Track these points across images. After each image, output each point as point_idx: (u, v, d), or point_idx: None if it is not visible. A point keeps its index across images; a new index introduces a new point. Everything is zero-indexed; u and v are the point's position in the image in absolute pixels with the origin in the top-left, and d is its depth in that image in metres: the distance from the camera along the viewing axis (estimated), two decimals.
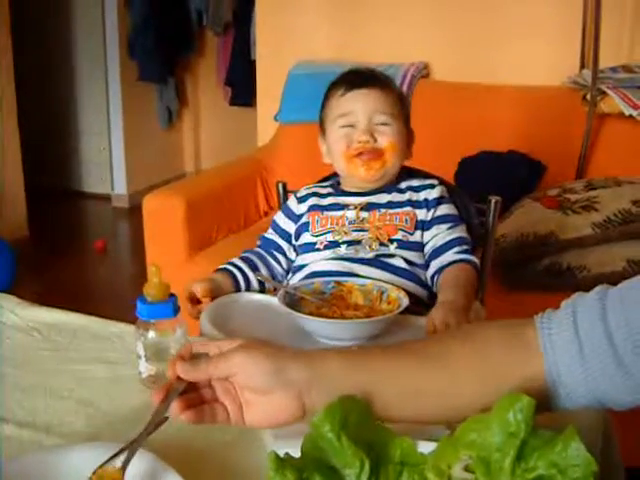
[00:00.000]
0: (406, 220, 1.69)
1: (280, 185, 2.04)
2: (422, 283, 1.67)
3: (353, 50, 3.57)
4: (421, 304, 1.62)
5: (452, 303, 1.48)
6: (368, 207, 1.71)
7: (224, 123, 6.02)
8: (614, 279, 2.49)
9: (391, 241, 1.66)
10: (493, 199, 1.88)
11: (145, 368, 1.18)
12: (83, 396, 1.16)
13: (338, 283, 1.57)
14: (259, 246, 1.79)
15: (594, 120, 3.02)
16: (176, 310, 1.18)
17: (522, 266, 2.62)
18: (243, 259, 1.74)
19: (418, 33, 3.49)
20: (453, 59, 3.44)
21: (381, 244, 1.66)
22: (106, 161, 5.61)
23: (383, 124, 1.69)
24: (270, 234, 1.79)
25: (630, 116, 2.91)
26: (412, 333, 1.47)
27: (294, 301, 1.52)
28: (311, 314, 1.45)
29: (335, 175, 1.88)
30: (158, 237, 2.92)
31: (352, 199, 1.74)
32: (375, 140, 1.68)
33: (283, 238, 1.77)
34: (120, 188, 5.61)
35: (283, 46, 3.73)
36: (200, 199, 2.96)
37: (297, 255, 1.74)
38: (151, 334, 1.18)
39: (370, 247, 1.65)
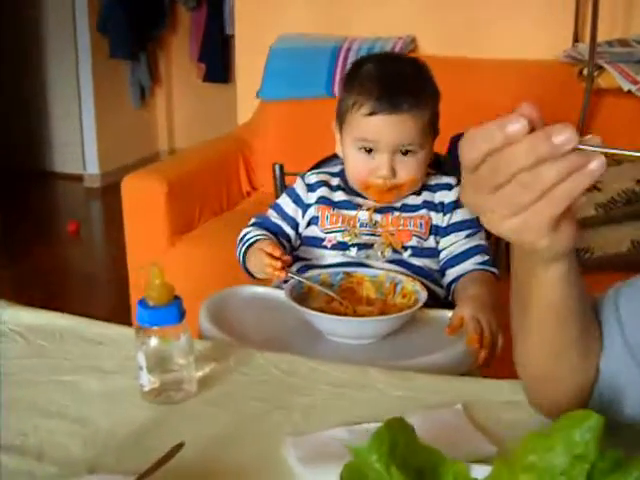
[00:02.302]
0: (420, 225, 1.57)
1: (277, 167, 1.90)
2: (438, 283, 1.56)
3: (337, 24, 3.42)
4: (435, 299, 1.50)
5: (479, 298, 1.38)
6: (381, 210, 1.58)
7: (198, 100, 5.86)
8: (618, 261, 2.40)
9: (405, 248, 1.54)
10: None
11: (147, 381, 1.04)
12: (78, 413, 1.02)
13: (347, 274, 1.45)
14: (259, 224, 1.64)
15: (590, 95, 2.91)
16: (182, 315, 1.04)
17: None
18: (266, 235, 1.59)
19: (405, 5, 3.35)
20: (441, 32, 3.30)
21: (394, 250, 1.54)
22: (77, 140, 5.42)
23: (408, 153, 1.52)
24: (275, 218, 1.64)
25: (629, 91, 2.81)
26: (433, 328, 1.36)
27: (301, 294, 1.39)
28: (321, 310, 1.33)
29: (336, 157, 1.74)
30: (138, 221, 2.77)
31: (365, 200, 1.60)
32: (395, 174, 1.52)
33: (290, 225, 1.63)
34: (92, 168, 5.43)
35: (263, 20, 3.56)
36: (181, 180, 2.81)
37: (300, 245, 1.61)
38: (153, 342, 1.04)
39: (382, 253, 1.53)
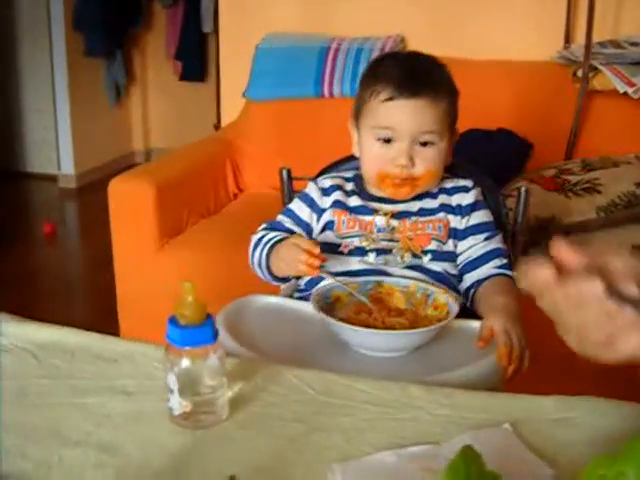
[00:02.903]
0: (439, 228, 1.52)
1: (284, 171, 1.83)
2: (456, 289, 1.51)
3: (325, 23, 3.36)
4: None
5: (507, 309, 1.33)
6: (398, 215, 1.53)
7: (174, 99, 5.76)
8: None
9: (424, 252, 1.49)
10: (523, 187, 1.71)
11: (178, 404, 0.97)
12: (104, 441, 0.94)
13: (378, 284, 1.41)
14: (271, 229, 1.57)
15: (584, 97, 2.88)
16: (216, 334, 0.97)
17: (522, 251, 2.47)
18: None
19: (394, 4, 3.29)
20: (431, 32, 3.25)
21: (414, 255, 1.48)
22: (52, 139, 5.29)
23: (427, 143, 1.47)
24: (288, 223, 1.57)
25: (624, 93, 2.77)
26: (459, 339, 1.32)
27: (328, 304, 1.34)
28: (349, 321, 1.27)
29: (349, 160, 1.68)
30: (125, 224, 2.68)
31: (381, 205, 1.55)
32: (413, 164, 1.47)
33: (305, 231, 1.56)
34: (67, 168, 5.30)
35: (247, 18, 3.49)
36: (170, 182, 2.72)
37: None
38: (185, 363, 0.97)
39: (402, 258, 1.48)
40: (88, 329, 1.24)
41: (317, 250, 1.36)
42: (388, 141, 1.47)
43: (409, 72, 1.48)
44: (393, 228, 1.51)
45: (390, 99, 1.45)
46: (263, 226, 1.58)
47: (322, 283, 1.44)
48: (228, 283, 2.30)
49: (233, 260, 2.49)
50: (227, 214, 3.03)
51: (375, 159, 1.50)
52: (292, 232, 1.55)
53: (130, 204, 2.65)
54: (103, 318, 2.87)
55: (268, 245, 1.50)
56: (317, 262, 1.35)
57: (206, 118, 4.85)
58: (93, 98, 5.41)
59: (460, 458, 0.73)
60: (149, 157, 5.83)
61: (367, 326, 1.28)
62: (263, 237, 1.53)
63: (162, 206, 2.64)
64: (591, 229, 2.43)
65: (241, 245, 2.52)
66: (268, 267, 1.50)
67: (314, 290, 1.39)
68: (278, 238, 1.50)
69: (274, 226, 1.57)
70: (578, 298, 0.74)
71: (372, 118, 1.49)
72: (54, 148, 5.31)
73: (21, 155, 5.43)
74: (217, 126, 3.82)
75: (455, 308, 1.30)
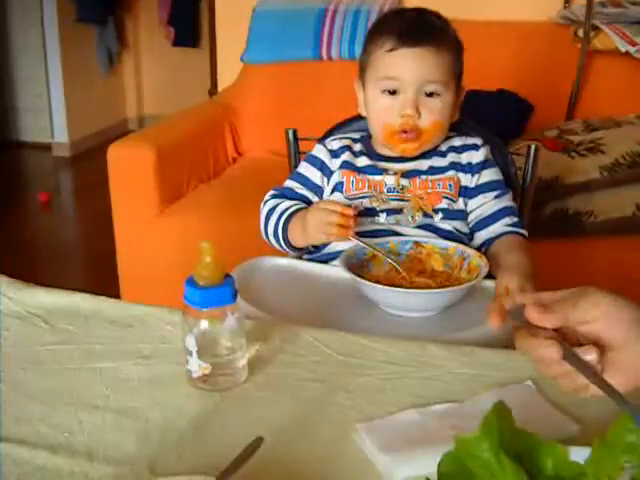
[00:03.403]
0: (450, 186, 1.50)
1: (290, 132, 1.80)
2: None
3: None
4: None
5: (521, 267, 1.32)
6: (408, 174, 1.50)
7: (167, 65, 5.72)
8: (623, 225, 2.34)
9: (435, 211, 1.47)
10: (532, 145, 1.69)
11: (197, 366, 0.95)
12: (123, 405, 0.93)
13: (417, 244, 1.39)
14: (282, 197, 1.55)
15: (586, 57, 2.85)
16: (235, 294, 0.95)
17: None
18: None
19: None
20: None
21: (425, 214, 1.47)
22: (45, 108, 5.24)
23: (432, 94, 1.45)
24: (299, 189, 1.55)
25: (626, 53, 2.75)
26: (475, 298, 1.31)
27: (361, 261, 1.35)
28: (378, 281, 1.26)
29: (355, 120, 1.66)
30: (125, 190, 2.65)
31: (390, 164, 1.53)
32: (419, 115, 1.45)
33: (317, 195, 1.54)
34: (61, 136, 5.26)
35: None
36: (170, 147, 2.69)
37: None
38: (203, 325, 0.95)
39: (412, 218, 1.46)
40: (93, 293, 1.23)
41: (350, 211, 1.34)
42: (394, 93, 1.45)
43: (413, 23, 1.47)
44: (403, 187, 1.49)
45: (393, 49, 1.44)
46: (272, 193, 1.56)
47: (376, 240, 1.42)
48: (231, 247, 2.24)
49: (234, 224, 2.49)
50: (227, 178, 3.01)
51: (381, 112, 1.48)
52: (304, 199, 1.53)
53: (130, 170, 2.63)
54: (103, 285, 2.83)
55: (285, 215, 1.48)
56: (351, 221, 1.33)
57: (200, 84, 4.78)
58: (85, 65, 5.35)
59: (493, 415, 0.72)
60: (142, 124, 5.78)
61: (394, 285, 1.27)
62: (276, 206, 1.51)
63: (162, 171, 2.62)
64: (594, 189, 2.41)
65: (242, 209, 2.52)
66: (285, 237, 1.48)
67: (349, 247, 1.37)
68: (295, 208, 1.48)
69: (284, 193, 1.55)
70: (542, 360, 0.81)
71: (377, 70, 1.47)
72: (47, 116, 5.26)
73: (14, 124, 5.39)
74: (212, 92, 3.78)
75: (485, 271, 1.29)
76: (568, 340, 0.81)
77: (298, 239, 1.45)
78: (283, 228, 1.47)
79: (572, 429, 0.89)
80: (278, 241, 1.49)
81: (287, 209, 1.48)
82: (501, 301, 0.85)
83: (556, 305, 0.81)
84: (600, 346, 0.80)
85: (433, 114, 1.45)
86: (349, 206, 1.37)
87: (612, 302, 0.79)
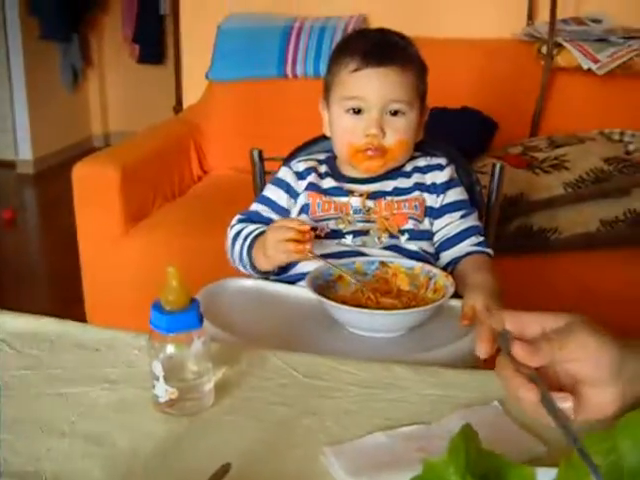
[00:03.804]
0: (415, 207, 1.51)
1: (255, 152, 1.80)
2: None
3: (287, 2, 3.33)
4: None
5: (487, 286, 1.33)
6: (373, 195, 1.52)
7: (132, 82, 5.71)
8: (587, 241, 2.37)
9: (401, 232, 1.48)
10: (497, 164, 1.71)
11: (164, 391, 0.95)
12: (90, 430, 0.92)
13: (383, 264, 1.39)
14: (248, 221, 1.55)
15: (549, 73, 2.89)
16: (201, 319, 0.95)
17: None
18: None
19: None
20: (394, 11, 3.23)
21: (391, 235, 1.47)
22: (8, 125, 5.20)
23: (396, 113, 1.47)
24: (266, 212, 1.55)
25: (588, 70, 2.79)
26: (441, 317, 1.32)
27: (327, 282, 1.34)
28: (344, 302, 1.26)
29: (320, 140, 1.67)
30: (90, 208, 2.64)
31: (355, 186, 1.54)
32: (384, 134, 1.46)
33: (283, 217, 1.54)
34: (25, 153, 5.23)
35: None
36: (135, 165, 2.70)
37: None
38: (169, 349, 0.95)
39: (379, 239, 1.47)
40: (54, 316, 1.22)
41: (306, 227, 1.34)
42: (358, 112, 1.47)
43: (376, 44, 1.49)
44: (369, 209, 1.50)
45: (358, 69, 1.46)
46: (238, 217, 1.56)
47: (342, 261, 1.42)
48: (196, 266, 2.26)
49: (200, 243, 2.48)
50: (192, 196, 3.01)
51: (346, 131, 1.49)
52: (271, 222, 1.52)
53: (95, 188, 2.62)
54: (68, 303, 2.84)
55: (249, 239, 1.48)
56: (307, 237, 1.33)
57: (165, 101, 4.78)
58: (50, 82, 5.33)
59: (460, 437, 0.72)
60: (108, 141, 5.76)
61: (360, 306, 1.27)
62: (241, 231, 1.51)
63: (127, 190, 2.61)
64: (558, 205, 2.44)
65: (208, 228, 2.51)
66: (251, 262, 1.47)
67: (315, 268, 1.37)
68: (258, 232, 1.48)
69: (251, 217, 1.55)
70: (518, 399, 0.82)
71: (341, 90, 1.49)
72: (11, 133, 5.23)
73: None
74: (176, 109, 3.78)
75: (450, 291, 1.29)
76: (546, 375, 0.82)
77: (262, 262, 1.44)
78: (248, 253, 1.47)
79: (539, 450, 0.90)
80: (245, 267, 1.49)
81: (250, 233, 1.48)
82: (489, 326, 0.85)
83: (543, 343, 0.81)
84: (577, 380, 0.82)
85: (398, 133, 1.47)
86: (304, 222, 1.38)
87: (598, 344, 0.80)
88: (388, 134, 1.46)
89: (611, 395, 0.81)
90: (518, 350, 0.80)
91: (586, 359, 0.80)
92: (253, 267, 1.48)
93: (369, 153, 1.47)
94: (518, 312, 0.86)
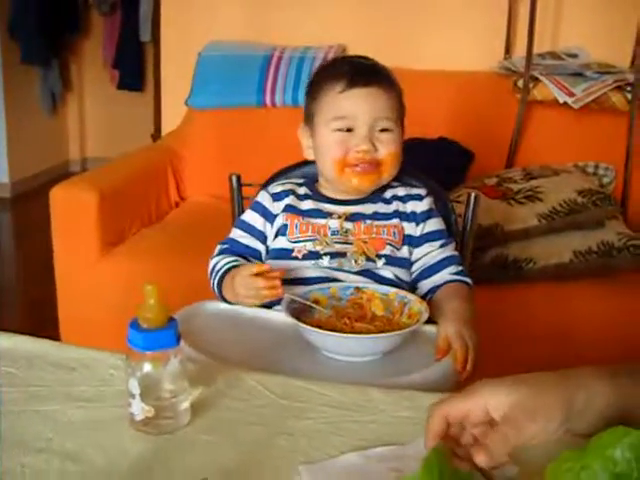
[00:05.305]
0: (394, 234, 1.53)
1: (234, 178, 1.82)
2: None
3: (267, 31, 3.36)
4: None
5: (462, 314, 1.35)
6: (352, 217, 1.53)
7: (111, 108, 5.72)
8: (560, 271, 2.40)
9: (379, 257, 1.50)
10: (473, 194, 1.73)
11: (140, 409, 0.95)
12: (66, 448, 0.92)
13: (358, 289, 1.40)
14: (227, 250, 1.56)
15: (525, 107, 2.93)
16: (178, 337, 0.96)
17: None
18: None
19: (336, 13, 3.32)
20: (373, 42, 3.25)
21: (368, 259, 1.49)
22: None
23: (385, 130, 1.50)
24: (242, 237, 1.56)
25: (564, 103, 2.83)
26: (416, 343, 1.33)
27: (298, 310, 1.34)
28: (319, 326, 1.27)
29: (299, 166, 1.69)
30: (67, 232, 2.63)
31: (334, 207, 1.55)
32: (375, 149, 1.49)
33: (260, 240, 1.56)
34: (2, 176, 5.21)
35: (189, 26, 3.47)
36: (112, 191, 2.69)
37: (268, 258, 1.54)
38: (146, 368, 0.96)
39: (356, 262, 1.48)
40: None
41: (276, 273, 1.36)
42: (347, 131, 1.49)
43: (361, 67, 1.53)
44: (347, 230, 1.51)
45: (346, 89, 1.48)
46: (218, 248, 1.57)
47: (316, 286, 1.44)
48: (172, 291, 2.24)
49: (176, 269, 2.48)
50: (169, 223, 3.01)
51: (336, 146, 1.50)
52: (249, 248, 1.55)
53: (72, 212, 2.61)
54: (42, 329, 2.79)
55: (218, 275, 1.49)
56: (277, 282, 1.35)
57: (143, 128, 4.80)
58: (28, 106, 5.33)
59: (434, 456, 0.74)
60: (85, 166, 5.76)
61: (335, 330, 1.28)
62: (217, 264, 1.52)
63: (104, 214, 2.61)
64: (533, 236, 2.47)
65: (184, 254, 2.52)
66: (223, 297, 1.49)
67: (290, 292, 1.38)
68: (226, 268, 1.49)
69: (230, 245, 1.56)
70: None
71: (328, 112, 1.51)
72: None
73: None
74: (155, 136, 3.78)
75: (425, 316, 1.31)
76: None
77: (232, 299, 1.46)
78: (219, 288, 1.49)
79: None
80: (223, 299, 1.50)
81: (221, 269, 1.50)
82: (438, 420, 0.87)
83: (497, 442, 0.83)
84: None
85: (389, 146, 1.50)
86: (263, 264, 1.41)
87: (547, 409, 0.84)
88: (380, 148, 1.49)
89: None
90: (481, 462, 0.82)
91: (535, 432, 0.84)
92: (224, 300, 1.49)
93: (359, 169, 1.49)
94: (459, 400, 0.87)
